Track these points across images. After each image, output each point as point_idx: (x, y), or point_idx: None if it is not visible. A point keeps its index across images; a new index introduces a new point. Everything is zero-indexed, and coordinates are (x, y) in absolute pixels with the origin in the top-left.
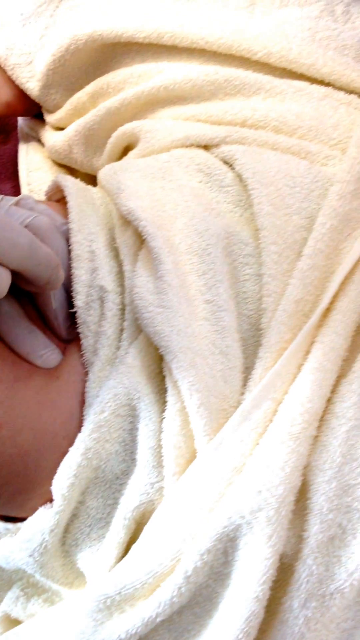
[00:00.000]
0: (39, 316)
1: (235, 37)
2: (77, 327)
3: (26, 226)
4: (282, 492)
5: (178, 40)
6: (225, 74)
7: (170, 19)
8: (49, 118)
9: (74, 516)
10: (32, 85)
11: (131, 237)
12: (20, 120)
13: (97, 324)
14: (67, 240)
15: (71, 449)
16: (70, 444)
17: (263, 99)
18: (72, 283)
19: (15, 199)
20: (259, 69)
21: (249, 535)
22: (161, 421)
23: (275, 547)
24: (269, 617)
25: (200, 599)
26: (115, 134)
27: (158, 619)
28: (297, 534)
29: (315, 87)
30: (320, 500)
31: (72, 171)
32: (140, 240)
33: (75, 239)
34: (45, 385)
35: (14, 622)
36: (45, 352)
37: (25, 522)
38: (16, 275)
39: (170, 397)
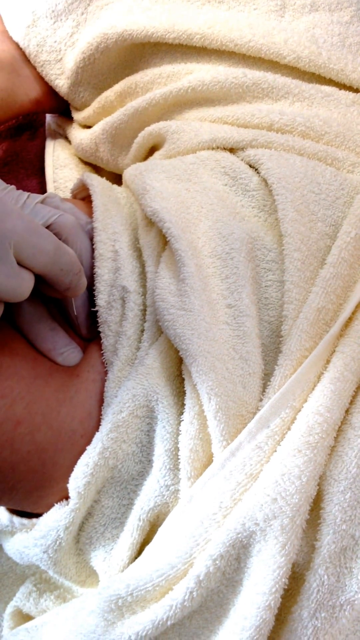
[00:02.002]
0: (60, 314)
1: (265, 40)
2: (98, 326)
3: (51, 224)
4: (298, 501)
5: (207, 42)
6: (253, 77)
7: (200, 21)
8: (77, 116)
9: (89, 515)
10: (61, 83)
11: (155, 238)
12: (48, 117)
13: (118, 323)
14: (91, 239)
15: (88, 448)
16: (88, 442)
17: (291, 103)
18: (95, 282)
19: (42, 196)
20: (288, 73)
21: (262, 543)
22: (179, 424)
23: (288, 556)
24: (278, 625)
25: (211, 604)
26: (141, 134)
27: (169, 622)
28: (309, 544)
29: (344, 93)
30: (334, 510)
31: (97, 169)
32: (163, 241)
33: (98, 238)
34: (65, 383)
35: (25, 618)
36: (66, 350)
37: (40, 519)
38: (38, 279)
39: (189, 401)
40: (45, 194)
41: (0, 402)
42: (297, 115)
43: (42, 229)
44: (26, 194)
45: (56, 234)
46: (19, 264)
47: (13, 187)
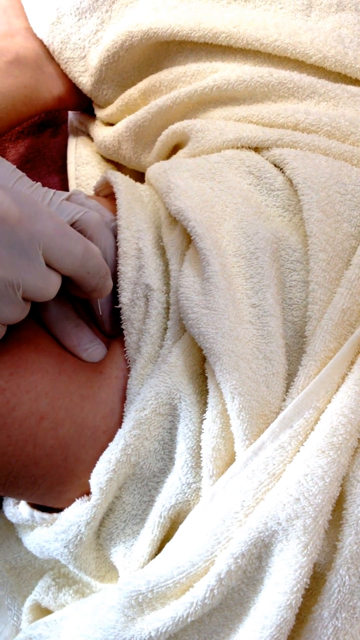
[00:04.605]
0: (85, 311)
1: (291, 40)
2: (122, 323)
3: (76, 221)
4: (321, 502)
5: (233, 41)
6: (279, 76)
7: (226, 20)
8: (100, 113)
9: (109, 510)
10: (85, 80)
11: (178, 236)
12: (71, 114)
13: (141, 321)
14: (116, 236)
15: (111, 444)
16: (110, 439)
17: (316, 103)
18: (118, 280)
19: (67, 193)
20: (314, 73)
21: (285, 542)
22: (201, 422)
23: (310, 556)
24: (298, 625)
25: (232, 602)
26: (165, 132)
27: (189, 619)
28: (331, 544)
29: None
30: (356, 511)
31: (119, 167)
32: (187, 240)
33: (122, 235)
34: (88, 379)
35: (44, 611)
36: (91, 346)
37: (61, 513)
38: (65, 278)
39: (212, 399)
40: (71, 191)
41: (25, 397)
42: (323, 115)
43: (71, 230)
44: (52, 191)
45: (81, 231)
46: (48, 265)
47: (39, 184)
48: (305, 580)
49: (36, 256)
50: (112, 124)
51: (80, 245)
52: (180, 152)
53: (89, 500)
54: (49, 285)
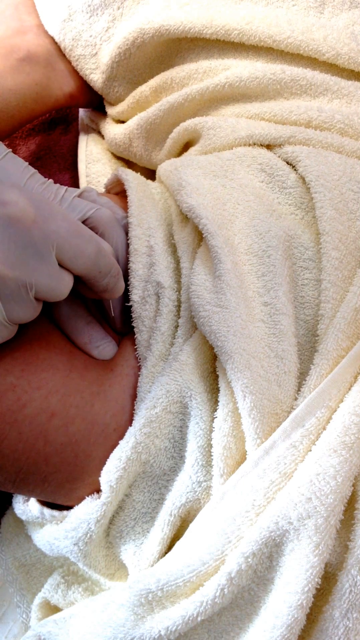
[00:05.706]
0: (96, 308)
1: (304, 37)
2: (132, 321)
3: (88, 218)
4: (333, 501)
5: (245, 38)
6: (291, 73)
7: (238, 16)
8: (111, 110)
9: (119, 508)
10: (96, 77)
11: (190, 234)
12: (81, 111)
13: (152, 319)
14: (127, 233)
15: (121, 442)
16: (120, 436)
17: (329, 100)
18: (129, 277)
19: (79, 190)
20: (327, 70)
21: (296, 542)
22: (212, 421)
23: (322, 556)
24: (309, 624)
25: (242, 601)
26: (176, 130)
27: (199, 618)
28: (342, 544)
29: None
30: None
31: (130, 164)
32: (199, 237)
33: (134, 233)
34: (99, 377)
35: (53, 609)
36: (102, 343)
37: (71, 511)
38: (76, 279)
39: (223, 398)
40: (82, 188)
41: (36, 394)
42: (336, 113)
43: (84, 230)
44: (64, 187)
45: (93, 228)
46: (60, 265)
47: (51, 180)
48: (316, 580)
49: (49, 257)
50: (123, 122)
51: (93, 245)
52: (192, 150)
53: (99, 497)
54: (61, 286)
